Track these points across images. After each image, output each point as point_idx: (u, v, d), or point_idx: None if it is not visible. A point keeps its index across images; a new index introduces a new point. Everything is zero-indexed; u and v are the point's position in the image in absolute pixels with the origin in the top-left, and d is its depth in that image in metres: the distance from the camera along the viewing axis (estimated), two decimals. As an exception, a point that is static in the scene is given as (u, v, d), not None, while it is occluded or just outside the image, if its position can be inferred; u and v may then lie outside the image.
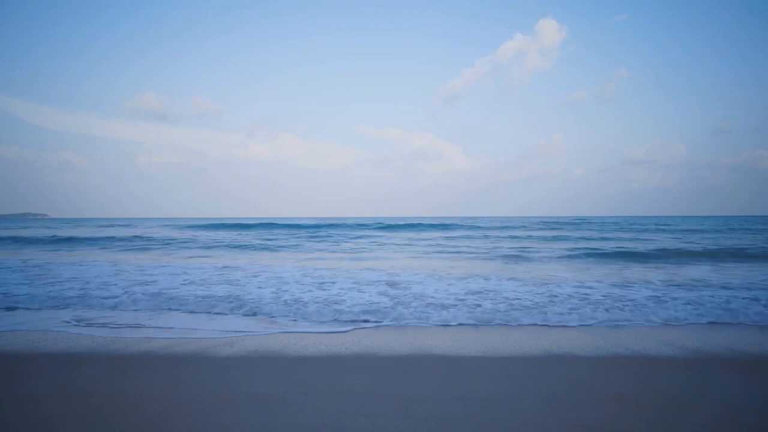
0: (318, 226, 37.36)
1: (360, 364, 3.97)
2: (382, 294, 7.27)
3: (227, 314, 6.07)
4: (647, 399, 3.11)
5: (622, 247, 16.93)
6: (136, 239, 23.29)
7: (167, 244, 20.86)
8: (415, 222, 48.17)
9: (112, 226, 45.99)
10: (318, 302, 6.61)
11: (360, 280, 8.95)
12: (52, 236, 25.13)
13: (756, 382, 3.51)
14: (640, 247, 17.33)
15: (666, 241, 20.57)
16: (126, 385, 3.37)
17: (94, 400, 3.08)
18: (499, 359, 4.09)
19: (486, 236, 26.33)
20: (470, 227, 37.73)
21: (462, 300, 6.68)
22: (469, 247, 18.60)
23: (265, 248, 18.54)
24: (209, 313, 6.16)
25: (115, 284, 8.29)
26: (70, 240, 22.97)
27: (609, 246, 18.27)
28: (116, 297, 7.02)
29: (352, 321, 5.57)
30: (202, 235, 27.61)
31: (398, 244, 20.69)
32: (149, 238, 23.95)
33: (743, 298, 6.72)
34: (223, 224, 41.18)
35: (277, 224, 41.15)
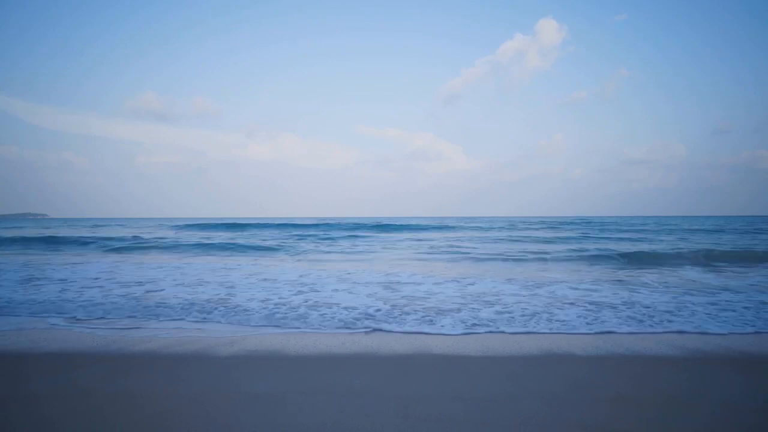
0: (317, 226, 37.24)
1: (360, 364, 3.96)
2: (377, 297, 7.12)
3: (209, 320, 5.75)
4: (647, 399, 3.11)
5: (622, 249, 16.93)
6: (98, 240, 21.63)
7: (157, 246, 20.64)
8: (414, 223, 48.17)
9: (97, 226, 44.85)
10: (307, 305, 6.59)
11: (356, 281, 8.95)
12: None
13: (756, 382, 3.50)
14: (645, 247, 17.35)
15: (665, 242, 20.56)
16: (126, 385, 3.37)
17: (94, 400, 3.08)
18: (499, 359, 4.09)
19: (486, 237, 26.32)
20: (470, 228, 37.73)
21: (463, 304, 6.61)
22: (469, 247, 18.59)
23: (230, 248, 17.86)
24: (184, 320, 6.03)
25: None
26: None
27: (609, 247, 18.27)
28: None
29: (347, 326, 5.34)
30: (212, 236, 27.59)
31: (398, 245, 20.69)
32: (121, 239, 22.58)
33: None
34: (216, 224, 40.34)
35: (270, 224, 40.78)
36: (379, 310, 6.09)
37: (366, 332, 5.04)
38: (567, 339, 4.74)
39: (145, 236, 25.46)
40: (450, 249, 17.57)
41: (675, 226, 39.71)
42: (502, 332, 4.97)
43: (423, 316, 5.71)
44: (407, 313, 5.88)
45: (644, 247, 18.00)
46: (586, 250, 15.80)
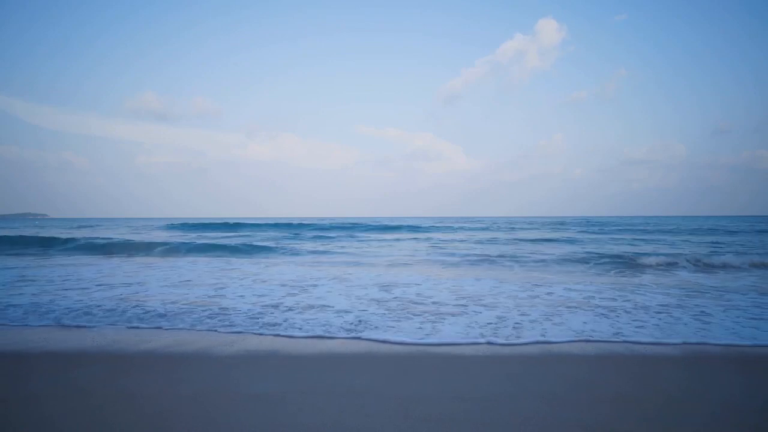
0: (316, 226, 37.15)
1: (360, 364, 3.96)
2: (373, 299, 6.92)
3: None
4: (647, 399, 3.11)
5: (622, 249, 16.92)
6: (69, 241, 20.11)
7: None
8: (414, 223, 48.16)
9: (80, 227, 42.97)
10: (304, 307, 6.57)
11: (352, 283, 8.94)
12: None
13: (756, 382, 3.51)
14: (645, 248, 17.33)
15: (665, 242, 20.55)
16: (126, 385, 3.37)
17: (94, 400, 3.08)
18: (499, 359, 4.09)
19: (486, 237, 26.32)
20: (471, 228, 37.73)
21: (463, 306, 6.50)
22: (468, 248, 18.59)
23: (221, 249, 17.44)
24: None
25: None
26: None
27: (608, 247, 18.27)
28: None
29: (343, 329, 5.16)
30: (202, 236, 27.58)
31: (397, 244, 20.69)
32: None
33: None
34: (212, 224, 39.53)
35: (266, 224, 40.59)
36: (374, 313, 5.87)
37: (360, 338, 4.89)
38: (567, 341, 4.74)
39: (141, 236, 25.26)
40: (450, 249, 17.57)
41: (675, 226, 39.72)
42: (502, 345, 4.95)
43: (421, 322, 5.40)
44: (401, 319, 5.66)
45: (644, 247, 18.00)
46: (586, 251, 15.80)
